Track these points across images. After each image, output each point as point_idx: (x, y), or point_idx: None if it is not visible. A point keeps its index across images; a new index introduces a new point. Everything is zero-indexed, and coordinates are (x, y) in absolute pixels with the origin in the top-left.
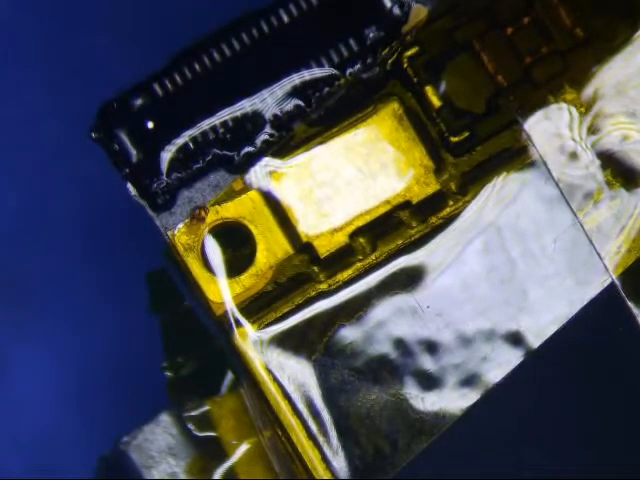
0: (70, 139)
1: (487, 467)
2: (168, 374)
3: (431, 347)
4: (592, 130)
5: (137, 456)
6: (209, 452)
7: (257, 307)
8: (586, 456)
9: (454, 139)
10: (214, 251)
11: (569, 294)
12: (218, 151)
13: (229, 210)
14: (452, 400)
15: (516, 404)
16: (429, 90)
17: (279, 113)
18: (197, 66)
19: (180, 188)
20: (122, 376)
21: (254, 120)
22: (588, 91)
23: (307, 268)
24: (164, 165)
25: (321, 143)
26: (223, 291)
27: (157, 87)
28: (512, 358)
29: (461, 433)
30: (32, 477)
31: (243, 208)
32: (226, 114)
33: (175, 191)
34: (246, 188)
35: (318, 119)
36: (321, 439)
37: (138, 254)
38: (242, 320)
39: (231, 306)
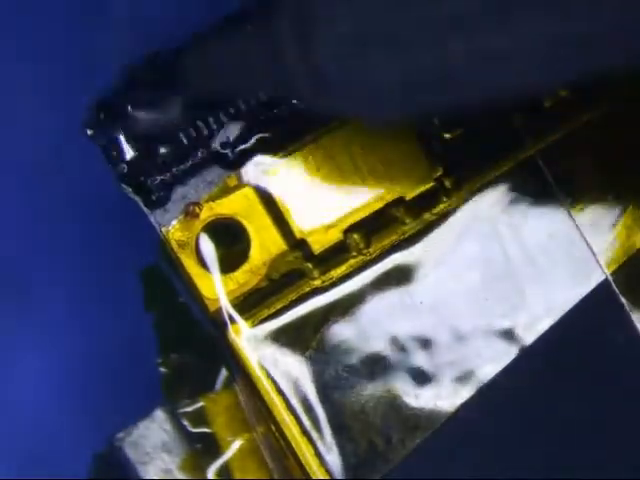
0: (67, 137)
1: (483, 466)
2: (163, 370)
3: (425, 343)
4: None
5: (132, 452)
6: (204, 448)
7: (251, 303)
8: (583, 455)
9: (448, 135)
10: (208, 247)
11: (563, 290)
12: (212, 147)
13: (223, 206)
14: (446, 396)
15: (512, 402)
16: None
17: (274, 109)
18: None
19: (174, 185)
20: (116, 373)
21: (248, 117)
22: None
23: (301, 264)
24: (160, 161)
25: (316, 139)
26: (217, 287)
27: None
28: (506, 354)
29: (458, 432)
30: (29, 477)
31: (237, 204)
32: (220, 110)
33: (169, 187)
34: (240, 184)
35: (312, 115)
36: (315, 435)
37: (132, 251)
38: (236, 316)
39: (225, 302)
